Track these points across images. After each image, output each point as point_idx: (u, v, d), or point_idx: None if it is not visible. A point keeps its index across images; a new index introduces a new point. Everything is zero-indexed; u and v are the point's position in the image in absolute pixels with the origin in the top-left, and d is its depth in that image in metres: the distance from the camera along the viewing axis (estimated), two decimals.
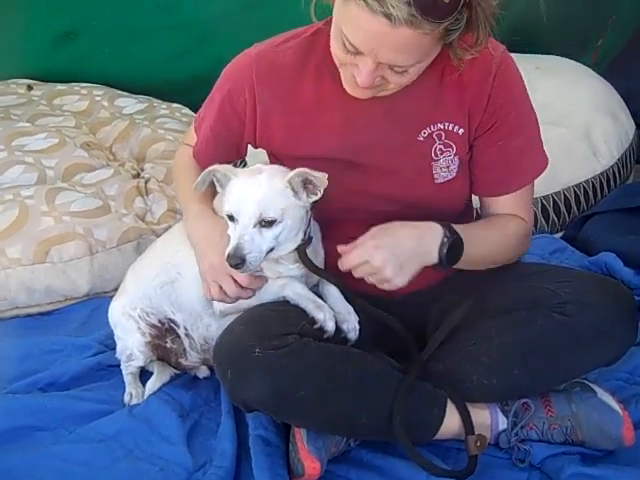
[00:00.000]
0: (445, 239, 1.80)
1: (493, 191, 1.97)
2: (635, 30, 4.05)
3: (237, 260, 1.74)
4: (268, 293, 1.88)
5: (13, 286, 2.52)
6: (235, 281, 1.84)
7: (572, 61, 3.68)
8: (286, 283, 1.88)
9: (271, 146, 1.98)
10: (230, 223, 1.79)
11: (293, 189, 1.78)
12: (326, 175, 1.75)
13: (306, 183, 1.79)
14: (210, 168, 1.85)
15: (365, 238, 1.77)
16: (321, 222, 1.94)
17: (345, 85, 1.79)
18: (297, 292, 1.87)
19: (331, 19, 1.79)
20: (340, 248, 1.78)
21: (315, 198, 1.81)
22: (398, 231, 1.79)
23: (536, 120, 1.96)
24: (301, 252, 1.86)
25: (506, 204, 1.97)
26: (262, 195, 1.76)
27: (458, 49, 1.69)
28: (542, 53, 3.72)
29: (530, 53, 3.59)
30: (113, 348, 2.21)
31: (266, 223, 1.75)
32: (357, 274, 1.77)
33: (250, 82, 1.90)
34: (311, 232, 1.89)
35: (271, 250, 1.79)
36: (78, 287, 2.58)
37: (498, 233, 1.94)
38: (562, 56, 3.73)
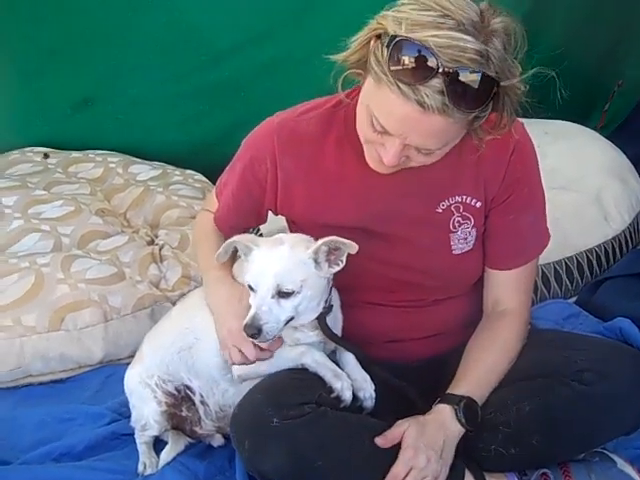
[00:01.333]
0: (456, 408, 1.84)
1: (498, 264, 2.00)
2: None
3: (254, 330, 1.74)
4: (287, 360, 1.88)
5: (28, 354, 2.51)
6: (255, 344, 1.85)
7: (580, 125, 3.70)
8: (305, 350, 1.88)
9: (292, 214, 2.00)
10: (251, 292, 1.81)
11: (316, 260, 1.80)
12: (355, 244, 1.76)
13: (329, 254, 1.81)
14: (231, 240, 1.87)
15: (404, 452, 1.78)
16: (339, 289, 1.95)
17: (369, 161, 1.81)
18: (316, 360, 1.87)
19: (353, 91, 1.84)
20: (378, 441, 1.80)
21: (337, 269, 1.82)
22: (425, 429, 1.81)
23: (544, 196, 2.00)
24: (321, 320, 1.87)
25: (508, 280, 1.99)
26: (281, 267, 1.77)
27: (480, 130, 1.72)
28: (548, 117, 3.75)
29: (537, 117, 3.62)
30: (127, 416, 2.19)
31: (284, 294, 1.76)
32: None
33: (272, 151, 1.93)
34: (332, 300, 1.90)
35: (291, 319, 1.80)
36: (92, 354, 2.57)
37: (500, 355, 1.95)
38: (568, 120, 3.76)
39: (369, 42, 1.65)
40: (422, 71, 1.55)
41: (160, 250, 2.91)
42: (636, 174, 3.39)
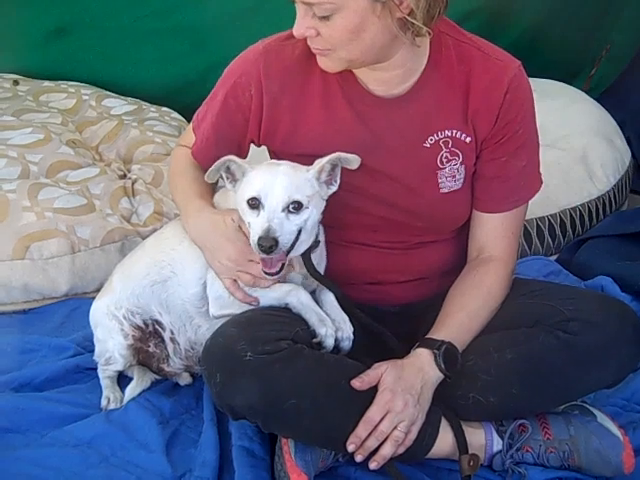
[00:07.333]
0: (435, 352, 1.78)
1: (486, 206, 1.94)
2: (630, 61, 4.05)
3: (270, 242, 1.66)
4: (271, 298, 1.82)
5: None
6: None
7: (567, 85, 3.67)
8: (291, 290, 1.82)
9: (275, 143, 1.92)
10: (250, 211, 1.74)
11: (318, 178, 1.76)
12: (357, 157, 1.75)
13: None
14: (225, 158, 1.80)
15: (380, 395, 1.73)
16: (324, 227, 1.89)
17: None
18: (302, 302, 1.81)
19: None
20: (355, 383, 1.74)
21: (334, 189, 1.79)
22: (403, 373, 1.75)
23: (538, 141, 1.96)
24: (305, 256, 1.81)
25: (495, 224, 1.94)
26: (290, 181, 1.73)
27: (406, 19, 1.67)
28: (536, 77, 3.71)
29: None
30: (91, 350, 2.12)
31: (294, 208, 1.71)
32: (385, 428, 1.71)
33: (257, 76, 1.86)
34: (319, 235, 1.84)
35: (297, 237, 1.73)
36: (57, 286, 2.49)
37: (483, 302, 1.90)
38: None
39: None
40: None
41: (133, 184, 2.82)
42: (622, 136, 3.37)
